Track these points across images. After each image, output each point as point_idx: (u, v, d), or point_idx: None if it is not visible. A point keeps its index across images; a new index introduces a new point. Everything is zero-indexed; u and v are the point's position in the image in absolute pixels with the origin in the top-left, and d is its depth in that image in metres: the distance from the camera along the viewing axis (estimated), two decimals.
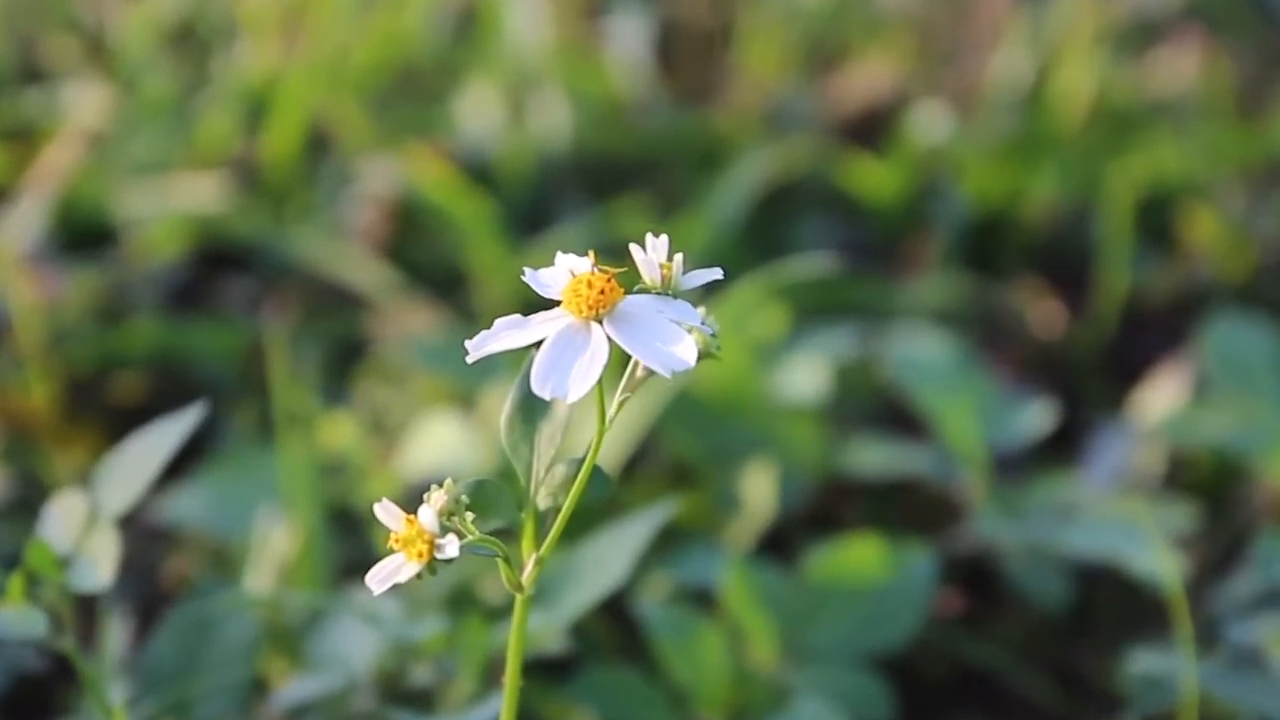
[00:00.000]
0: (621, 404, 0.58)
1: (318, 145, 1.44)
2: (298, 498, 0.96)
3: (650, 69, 1.57)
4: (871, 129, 1.54)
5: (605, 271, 0.58)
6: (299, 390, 1.11)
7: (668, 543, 0.99)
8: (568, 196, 1.43)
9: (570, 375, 0.55)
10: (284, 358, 1.02)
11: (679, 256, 0.59)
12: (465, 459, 1.06)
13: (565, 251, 0.61)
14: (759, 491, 1.05)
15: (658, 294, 0.59)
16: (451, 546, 0.56)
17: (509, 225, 1.32)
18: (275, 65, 1.47)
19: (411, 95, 1.54)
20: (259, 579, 0.95)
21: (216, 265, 1.37)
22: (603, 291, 0.57)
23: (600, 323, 0.57)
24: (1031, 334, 1.34)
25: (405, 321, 1.28)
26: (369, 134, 1.42)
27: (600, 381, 0.56)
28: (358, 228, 1.36)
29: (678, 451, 1.11)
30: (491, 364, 0.56)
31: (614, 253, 1.18)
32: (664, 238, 0.59)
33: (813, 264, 1.20)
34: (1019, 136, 1.44)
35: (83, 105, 1.43)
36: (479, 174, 1.40)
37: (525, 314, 0.59)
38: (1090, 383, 1.29)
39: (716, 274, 0.59)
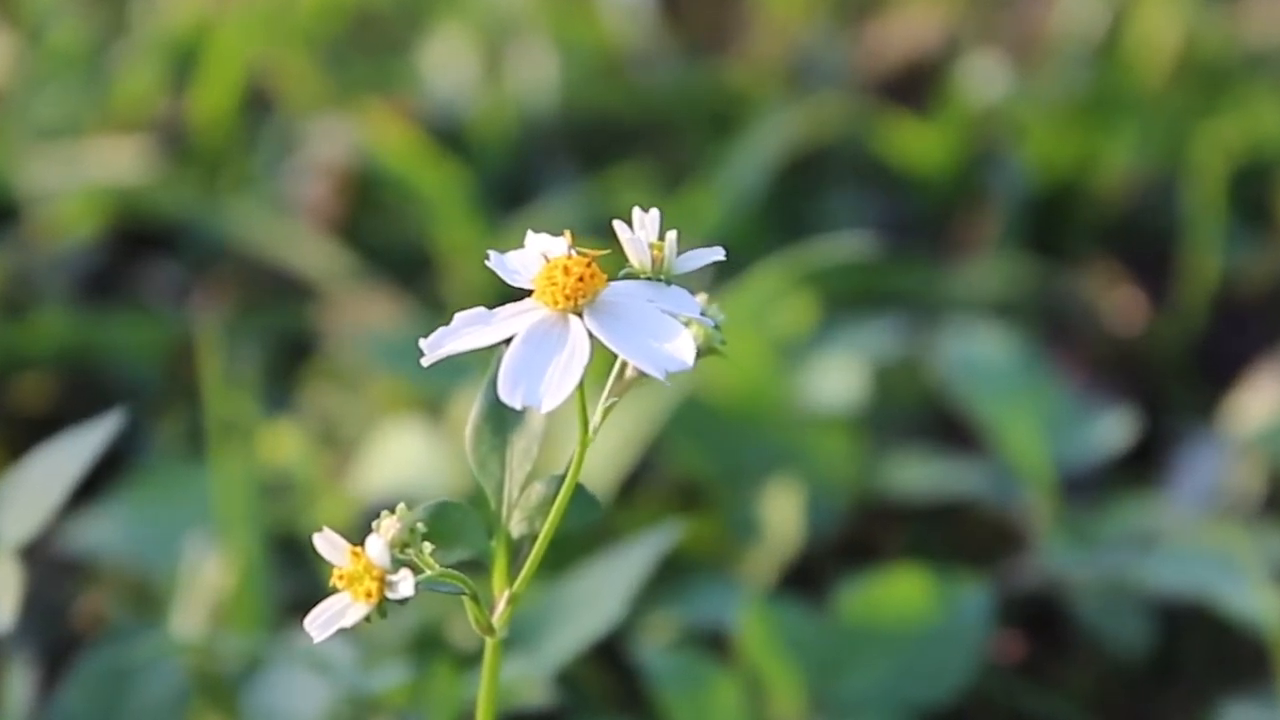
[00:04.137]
0: (607, 411, 0.58)
1: (257, 105, 1.44)
2: (234, 522, 0.97)
3: (653, 14, 1.57)
4: (916, 86, 1.54)
5: (585, 254, 0.57)
6: (235, 395, 1.11)
7: (673, 576, 0.99)
8: (555, 166, 1.43)
9: (544, 379, 0.54)
10: (218, 356, 1.02)
11: (672, 234, 0.58)
12: (432, 477, 1.06)
13: (552, 232, 0.60)
14: (782, 516, 1.05)
15: (648, 279, 0.58)
16: (406, 584, 0.55)
17: (484, 200, 1.32)
18: (206, 10, 1.47)
19: (369, 45, 1.55)
20: (188, 619, 0.95)
21: (137, 247, 1.37)
22: (582, 278, 0.56)
23: (580, 315, 0.56)
24: (1106, 329, 1.34)
25: (361, 313, 1.28)
26: (318, 91, 1.43)
27: (582, 385, 0.56)
28: (305, 202, 1.37)
29: (686, 468, 1.11)
30: (462, 364, 0.55)
31: (609, 232, 1.18)
32: (654, 212, 0.58)
33: (846, 245, 1.20)
34: (1090, 94, 1.45)
35: None
36: (449, 139, 1.40)
37: (504, 305, 0.58)
38: (1176, 387, 1.29)
39: (718, 253, 0.58)
